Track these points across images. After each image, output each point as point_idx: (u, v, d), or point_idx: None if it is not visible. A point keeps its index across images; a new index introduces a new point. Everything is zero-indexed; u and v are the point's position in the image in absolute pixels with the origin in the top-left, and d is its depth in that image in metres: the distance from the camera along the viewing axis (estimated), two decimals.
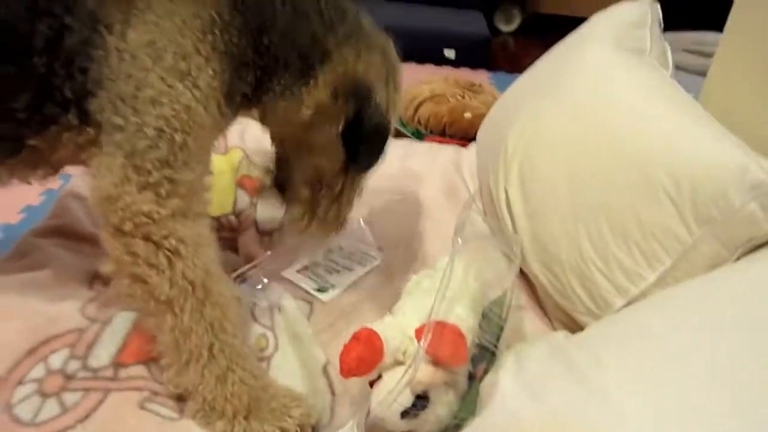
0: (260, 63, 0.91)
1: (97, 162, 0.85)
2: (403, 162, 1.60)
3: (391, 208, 1.38)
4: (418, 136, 2.05)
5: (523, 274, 1.22)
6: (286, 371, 0.99)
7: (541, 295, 1.14)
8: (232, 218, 1.35)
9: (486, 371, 0.90)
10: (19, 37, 0.81)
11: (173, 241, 0.83)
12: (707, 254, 0.87)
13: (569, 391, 0.70)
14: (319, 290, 1.17)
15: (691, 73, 2.26)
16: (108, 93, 0.83)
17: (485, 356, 0.92)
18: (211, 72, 0.85)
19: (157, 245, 0.83)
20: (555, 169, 1.06)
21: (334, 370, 1.00)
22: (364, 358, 0.89)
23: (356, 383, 0.98)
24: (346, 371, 0.89)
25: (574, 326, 1.04)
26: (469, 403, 0.88)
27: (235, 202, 1.38)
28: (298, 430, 0.87)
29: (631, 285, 0.94)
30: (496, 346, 0.93)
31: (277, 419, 0.86)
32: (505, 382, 0.79)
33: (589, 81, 1.11)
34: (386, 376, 0.89)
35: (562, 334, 0.88)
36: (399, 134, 2.14)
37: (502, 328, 0.96)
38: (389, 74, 1.00)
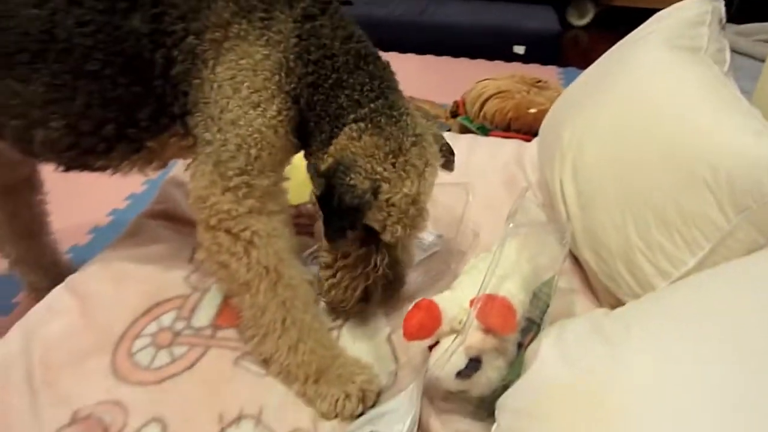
0: (309, 115, 1.05)
1: (194, 169, 1.05)
2: (467, 155, 1.70)
3: (453, 199, 1.49)
4: (483, 131, 2.14)
5: (575, 259, 1.30)
6: (355, 340, 1.14)
7: (591, 279, 1.22)
8: (309, 207, 1.49)
9: (532, 340, 1.01)
10: (145, 64, 1.02)
11: (248, 234, 1.02)
12: (744, 240, 0.93)
13: (598, 356, 0.79)
14: None
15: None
16: (201, 113, 1.03)
17: (532, 328, 1.02)
18: (276, 107, 1.02)
19: (236, 237, 1.02)
20: (604, 161, 1.14)
21: (398, 339, 1.13)
22: (424, 324, 1.02)
23: (417, 352, 1.11)
24: (408, 335, 1.02)
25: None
26: (516, 368, 0.99)
27: (311, 193, 1.54)
28: (361, 395, 1.00)
29: (673, 269, 1.01)
30: (541, 320, 1.03)
31: (342, 384, 1.00)
32: (545, 349, 0.89)
33: (639, 78, 1.17)
34: (443, 342, 1.02)
35: (602, 311, 0.96)
36: (465, 129, 2.24)
37: (548, 305, 1.06)
38: (390, 155, 1.01)
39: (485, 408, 1.02)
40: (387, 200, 1.00)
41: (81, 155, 1.11)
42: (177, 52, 1.01)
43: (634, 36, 1.39)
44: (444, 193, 1.49)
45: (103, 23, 1.00)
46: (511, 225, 1.12)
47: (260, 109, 1.00)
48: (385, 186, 0.99)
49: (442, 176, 1.60)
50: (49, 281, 1.60)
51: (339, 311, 1.14)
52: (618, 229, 1.09)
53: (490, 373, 0.99)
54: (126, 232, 1.37)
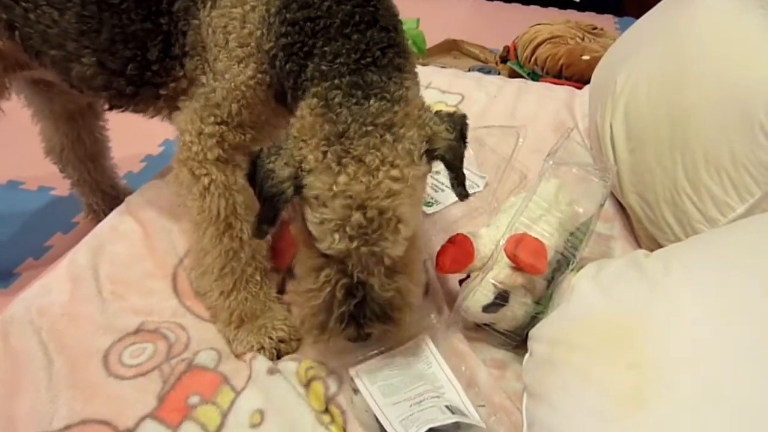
0: (283, 82, 0.95)
1: (183, 103, 1.08)
2: (517, 100, 1.68)
3: (499, 142, 1.49)
4: (534, 77, 2.11)
5: (619, 206, 1.30)
6: None
7: (634, 224, 1.22)
8: None
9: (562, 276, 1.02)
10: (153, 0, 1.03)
11: (207, 180, 1.04)
12: None
13: (636, 290, 0.81)
14: (425, 204, 1.32)
15: None
16: (200, 57, 1.04)
17: (564, 265, 1.04)
18: (253, 66, 0.98)
19: (196, 179, 1.04)
20: (658, 103, 1.13)
21: (430, 268, 1.16)
22: (457, 258, 1.04)
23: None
24: (440, 267, 1.05)
25: None
26: (544, 304, 1.01)
27: None
28: (274, 352, 1.03)
29: (720, 215, 1.00)
30: (573, 256, 1.04)
31: (261, 335, 1.03)
32: (583, 284, 0.90)
33: (697, 21, 1.14)
34: (473, 276, 1.04)
35: (642, 251, 0.97)
36: (515, 75, 2.21)
37: (581, 241, 1.06)
38: (330, 142, 0.82)
39: (513, 339, 1.05)
40: (315, 197, 0.83)
41: (115, 96, 1.17)
42: None
43: None
44: (493, 136, 1.50)
45: None
46: (550, 162, 1.12)
47: (242, 65, 0.99)
48: (308, 178, 0.82)
49: (493, 119, 1.62)
50: (106, 204, 1.70)
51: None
52: (666, 171, 1.08)
53: (517, 309, 1.01)
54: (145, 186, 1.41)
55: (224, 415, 0.91)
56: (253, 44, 0.98)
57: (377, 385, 0.94)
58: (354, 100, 0.84)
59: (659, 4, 1.42)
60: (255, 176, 0.86)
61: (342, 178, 0.81)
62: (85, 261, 1.12)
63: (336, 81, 0.86)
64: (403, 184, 0.82)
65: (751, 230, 0.85)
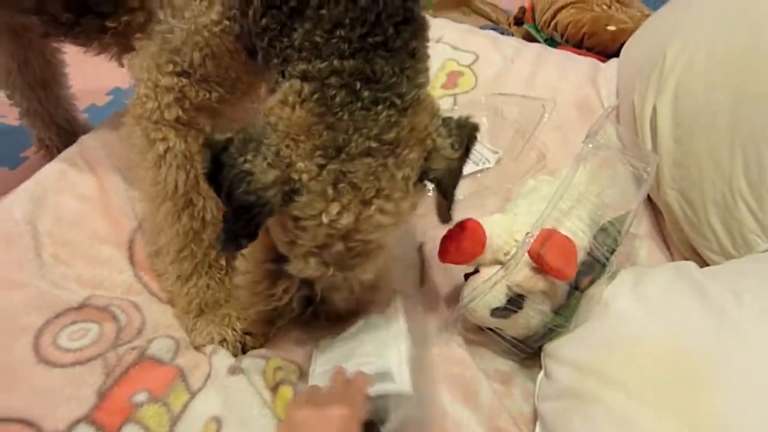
0: (257, 42, 0.75)
1: (139, 43, 0.87)
2: (535, 67, 1.50)
3: (514, 112, 1.31)
4: (551, 44, 1.92)
5: (649, 202, 1.15)
6: None
7: (668, 225, 1.07)
8: None
9: (592, 282, 0.87)
10: None
11: (162, 148, 0.84)
12: None
13: (699, 319, 0.67)
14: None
15: None
16: None
17: (594, 268, 0.88)
18: (217, 10, 0.78)
19: (151, 143, 0.85)
20: (718, 88, 0.96)
21: (430, 253, 1.01)
22: (465, 247, 0.88)
23: (445, 275, 0.99)
24: (444, 256, 0.89)
25: (700, 263, 0.97)
26: (567, 313, 0.86)
27: None
28: (239, 345, 0.88)
29: None
30: (608, 260, 0.89)
31: (223, 327, 0.88)
32: (620, 299, 0.76)
33: None
34: (483, 272, 0.88)
35: (691, 264, 0.82)
36: (530, 39, 2.02)
37: (618, 243, 0.91)
38: (327, 154, 0.67)
39: (521, 349, 0.92)
40: (295, 218, 0.68)
41: (49, 23, 0.97)
42: None
43: None
44: (512, 106, 1.32)
45: None
46: (590, 146, 0.96)
47: (204, 3, 0.79)
48: (302, 197, 0.66)
49: (510, 86, 1.44)
50: (60, 140, 1.49)
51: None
52: (721, 168, 0.93)
53: (531, 316, 0.87)
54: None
55: (174, 421, 0.75)
56: None
57: (324, 356, 0.83)
58: (359, 104, 0.66)
59: None
60: (219, 176, 0.66)
61: (334, 208, 0.66)
62: (21, 213, 0.93)
63: (335, 63, 0.67)
64: (394, 218, 0.70)
65: None
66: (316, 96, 0.66)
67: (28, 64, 1.35)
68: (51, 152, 1.49)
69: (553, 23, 1.92)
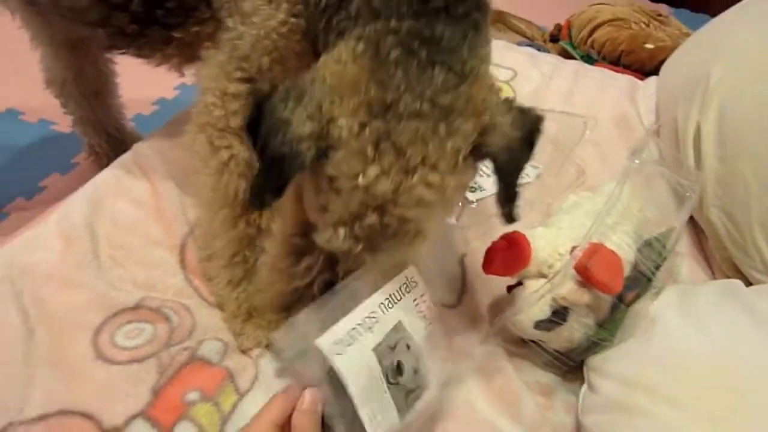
0: (319, 25, 0.76)
1: (208, 53, 0.88)
2: (573, 83, 1.52)
3: (552, 128, 1.33)
4: (588, 61, 1.93)
5: (689, 219, 1.14)
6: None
7: (710, 243, 1.07)
8: None
9: (637, 297, 0.88)
10: None
11: (226, 155, 0.86)
12: None
13: (750, 336, 0.67)
14: (469, 189, 1.16)
15: None
16: None
17: (640, 283, 0.89)
18: (285, 8, 0.79)
19: (214, 150, 0.87)
20: (765, 111, 0.96)
21: (472, 265, 1.02)
22: (510, 259, 0.89)
23: (488, 287, 1.00)
24: (489, 267, 0.90)
25: (743, 281, 0.97)
26: (611, 326, 0.87)
27: None
28: None
29: None
30: (653, 275, 0.89)
31: (271, 331, 0.88)
32: (669, 314, 0.76)
33: None
34: (528, 284, 0.89)
35: (738, 282, 0.82)
36: (565, 56, 2.03)
37: (664, 258, 0.91)
38: (371, 110, 0.63)
39: (564, 363, 0.92)
40: (330, 179, 0.64)
41: (113, 35, 0.99)
42: None
43: None
44: (552, 122, 1.33)
45: None
46: (636, 161, 0.97)
47: (273, 5, 0.80)
48: (338, 153, 0.62)
49: (549, 102, 1.46)
50: (110, 147, 1.55)
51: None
52: (767, 189, 0.92)
53: (575, 329, 0.87)
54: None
55: (224, 421, 0.77)
56: None
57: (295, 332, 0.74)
58: (415, 63, 0.63)
59: None
60: (259, 124, 0.63)
61: (372, 170, 0.62)
62: (81, 216, 0.96)
63: (393, 23, 0.64)
64: (438, 195, 0.64)
65: None
66: (369, 53, 0.63)
67: (83, 75, 1.41)
68: (101, 159, 1.55)
69: (590, 41, 1.93)
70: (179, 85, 1.94)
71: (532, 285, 0.89)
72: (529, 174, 1.25)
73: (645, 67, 1.83)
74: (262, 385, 0.82)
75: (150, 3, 0.92)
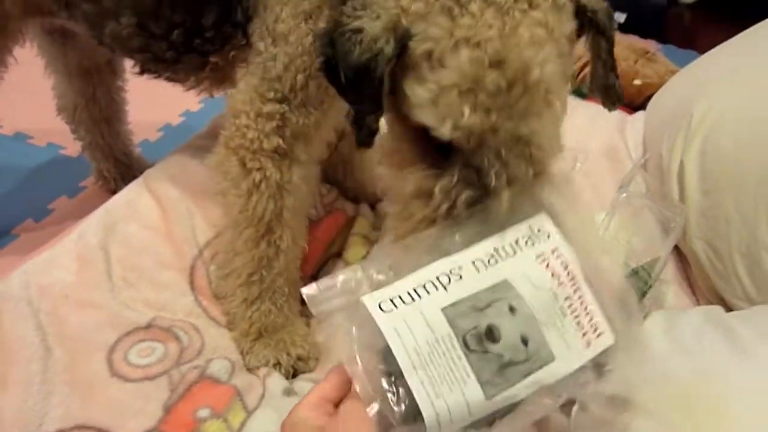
0: None
1: (241, 76, 0.93)
2: (566, 115, 1.58)
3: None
4: (580, 95, 2.00)
5: (676, 248, 1.20)
6: None
7: (694, 272, 1.12)
8: None
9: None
10: None
11: (258, 177, 0.90)
12: None
13: (727, 357, 0.72)
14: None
15: None
16: (260, 19, 0.88)
17: None
18: (325, 15, 0.81)
19: (246, 173, 0.90)
20: (746, 147, 1.02)
21: None
22: None
23: None
24: None
25: (725, 308, 1.02)
26: None
27: None
28: (291, 370, 0.93)
29: None
30: (640, 301, 0.94)
31: (278, 351, 0.93)
32: (655, 339, 0.80)
33: None
34: None
35: (718, 308, 0.87)
36: None
37: (650, 286, 0.97)
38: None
39: None
40: (428, 54, 0.60)
41: (150, 60, 1.03)
42: None
43: None
44: None
45: None
46: (623, 194, 1.03)
47: (311, 21, 0.82)
48: (420, 26, 0.60)
49: None
50: (117, 172, 1.59)
51: None
52: (747, 221, 0.98)
53: None
54: (203, 133, 1.31)
55: None
56: None
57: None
58: None
59: (738, 37, 1.32)
60: (334, 56, 0.63)
61: (465, 20, 0.58)
62: (96, 239, 1.01)
63: None
64: (546, 32, 0.59)
65: None
66: None
67: (95, 101, 1.47)
68: (108, 183, 1.60)
69: (581, 75, 2.01)
70: (184, 112, 2.00)
71: None
72: None
73: (634, 102, 1.90)
74: (269, 403, 0.86)
75: (190, 33, 0.95)
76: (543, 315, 0.58)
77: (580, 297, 0.61)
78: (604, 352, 0.61)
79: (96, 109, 1.48)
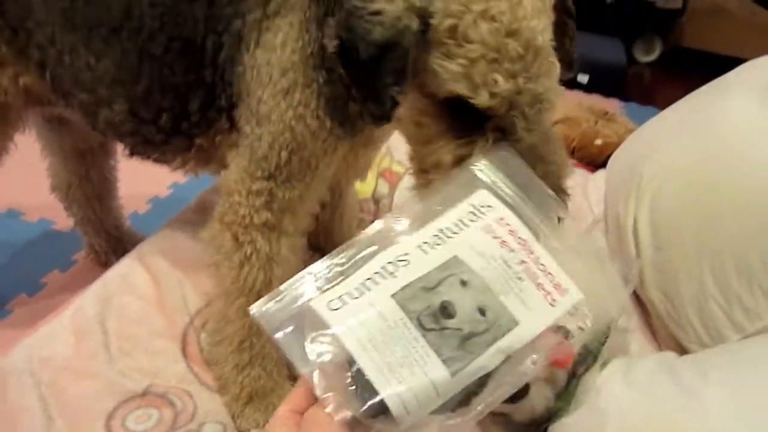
0: None
1: (232, 158, 1.01)
2: None
3: None
4: None
5: (637, 298, 1.29)
6: None
7: (654, 321, 1.21)
8: (371, 204, 1.51)
9: (587, 370, 1.00)
10: (197, 51, 0.98)
11: (249, 249, 0.97)
12: None
13: (673, 397, 0.80)
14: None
15: None
16: (245, 104, 0.96)
17: (588, 359, 1.01)
18: (301, 86, 0.88)
19: (238, 246, 0.98)
20: (685, 205, 1.13)
21: None
22: None
23: None
24: None
25: (683, 353, 1.11)
26: (567, 397, 0.98)
27: (375, 190, 1.55)
28: None
29: (748, 323, 0.99)
30: (599, 351, 1.02)
31: (269, 414, 0.98)
32: (614, 384, 0.88)
33: (726, 127, 1.16)
34: None
35: (672, 354, 0.96)
36: None
37: (607, 336, 1.05)
38: None
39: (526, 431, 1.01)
40: (452, 30, 0.69)
41: (140, 144, 1.11)
42: (226, 37, 0.96)
43: (721, 82, 1.37)
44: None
45: (170, 6, 0.99)
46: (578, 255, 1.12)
47: (288, 96, 0.90)
48: (436, 4, 0.69)
49: None
50: (108, 245, 1.66)
51: None
52: (693, 274, 1.07)
53: (537, 402, 0.98)
54: (192, 207, 1.40)
55: None
56: (296, 60, 0.88)
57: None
58: None
59: (684, 100, 1.45)
60: (352, 38, 0.69)
61: None
62: (93, 312, 1.08)
63: None
64: (543, 4, 0.72)
65: None
66: None
67: (88, 180, 1.55)
68: (99, 256, 1.66)
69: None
70: (171, 184, 2.08)
71: None
72: None
73: (596, 161, 2.02)
74: None
75: (177, 117, 1.03)
76: (498, 283, 0.58)
77: (536, 260, 0.61)
78: (576, 309, 0.62)
79: (89, 187, 1.56)
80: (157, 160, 1.15)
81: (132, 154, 1.17)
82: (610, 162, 1.62)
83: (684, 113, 1.40)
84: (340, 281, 0.58)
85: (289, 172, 0.95)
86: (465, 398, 0.55)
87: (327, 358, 0.53)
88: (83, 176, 1.54)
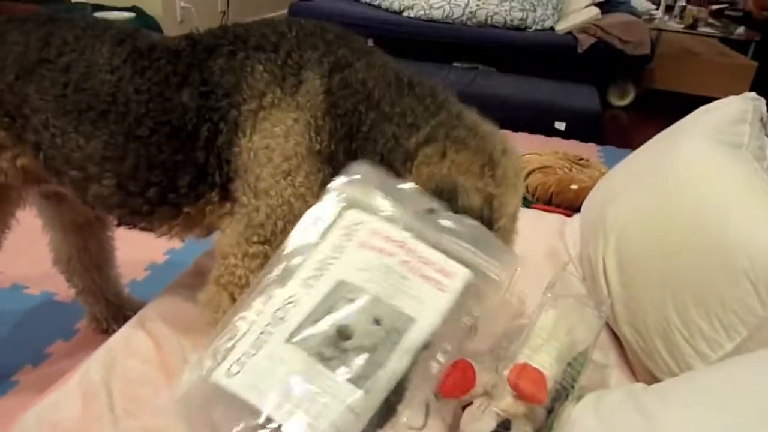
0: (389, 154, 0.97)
1: (227, 224, 1.09)
2: None
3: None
4: (525, 203, 2.24)
5: (613, 334, 1.36)
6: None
7: (629, 354, 1.28)
8: None
9: (562, 404, 1.06)
10: (188, 136, 1.08)
11: None
12: None
13: (634, 426, 0.86)
14: None
15: None
16: (242, 180, 1.06)
17: (563, 395, 1.08)
18: (305, 171, 1.00)
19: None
20: (647, 243, 1.22)
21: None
22: (458, 383, 1.08)
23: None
24: (443, 391, 1.09)
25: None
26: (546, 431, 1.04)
27: None
28: None
29: (711, 351, 1.07)
30: (572, 387, 1.09)
31: None
32: (586, 417, 0.95)
33: (682, 168, 1.26)
34: (476, 402, 1.08)
35: (640, 385, 1.02)
36: None
37: (580, 373, 1.11)
38: (486, 167, 0.97)
39: None
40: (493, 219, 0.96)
41: (127, 214, 1.18)
42: (223, 125, 1.05)
43: (679, 126, 1.48)
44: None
45: (156, 93, 1.09)
46: (549, 295, 1.20)
47: (290, 178, 1.00)
48: (495, 202, 0.95)
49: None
50: (109, 313, 1.72)
51: None
52: (658, 308, 1.15)
53: None
54: (189, 272, 1.48)
55: None
56: (302, 152, 1.00)
57: None
58: (472, 131, 1.01)
59: (647, 144, 1.55)
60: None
61: (513, 199, 1.02)
62: (98, 377, 1.14)
63: (434, 121, 0.99)
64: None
65: (742, 369, 0.91)
66: (448, 142, 0.98)
67: (87, 251, 1.61)
68: (100, 324, 1.72)
69: (524, 186, 2.25)
70: (168, 250, 2.17)
71: (480, 402, 1.08)
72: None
73: (573, 205, 2.13)
74: None
75: (165, 190, 1.09)
76: (385, 290, 0.61)
77: (416, 256, 0.64)
78: (471, 288, 0.64)
79: (88, 258, 1.63)
80: (143, 229, 1.22)
81: (119, 224, 1.25)
82: (582, 206, 1.72)
83: (646, 156, 1.50)
84: (238, 342, 0.60)
85: (285, 239, 1.01)
86: (389, 409, 0.57)
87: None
88: (82, 248, 1.61)
